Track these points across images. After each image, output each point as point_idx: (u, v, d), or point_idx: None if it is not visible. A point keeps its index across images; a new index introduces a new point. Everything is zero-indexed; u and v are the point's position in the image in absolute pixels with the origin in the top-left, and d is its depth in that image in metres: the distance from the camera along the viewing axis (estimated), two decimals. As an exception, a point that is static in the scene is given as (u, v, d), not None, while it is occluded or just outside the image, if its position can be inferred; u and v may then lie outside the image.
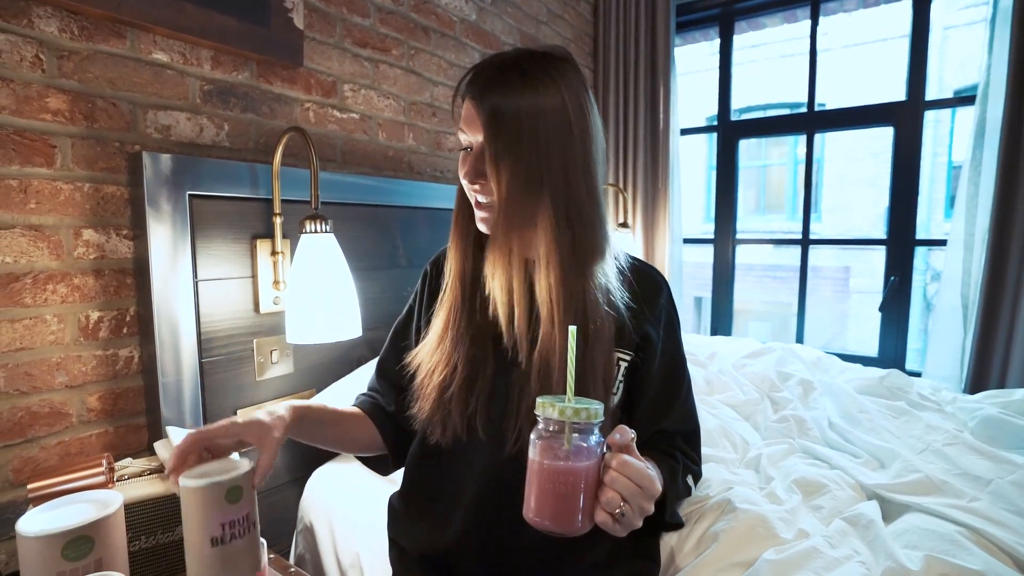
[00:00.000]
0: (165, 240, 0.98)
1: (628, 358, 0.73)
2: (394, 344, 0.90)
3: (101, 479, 0.76)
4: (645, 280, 0.77)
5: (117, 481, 0.80)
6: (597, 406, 0.53)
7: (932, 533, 0.77)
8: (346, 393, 1.20)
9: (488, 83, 0.66)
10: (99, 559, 0.64)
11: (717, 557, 0.77)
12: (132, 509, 0.75)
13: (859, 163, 6.09)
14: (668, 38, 2.34)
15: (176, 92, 1.07)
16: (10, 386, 0.88)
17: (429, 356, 0.76)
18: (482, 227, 0.72)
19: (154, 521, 0.77)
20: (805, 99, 2.32)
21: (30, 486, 0.73)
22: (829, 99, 5.61)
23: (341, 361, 1.32)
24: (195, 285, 1.04)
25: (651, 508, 0.55)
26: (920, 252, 5.11)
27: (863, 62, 5.91)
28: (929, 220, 5.73)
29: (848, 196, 6.34)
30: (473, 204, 0.72)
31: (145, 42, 1.02)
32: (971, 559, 0.70)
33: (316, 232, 1.05)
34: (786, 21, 2.46)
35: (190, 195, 1.01)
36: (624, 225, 2.40)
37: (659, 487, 0.55)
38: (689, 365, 1.51)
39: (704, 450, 1.05)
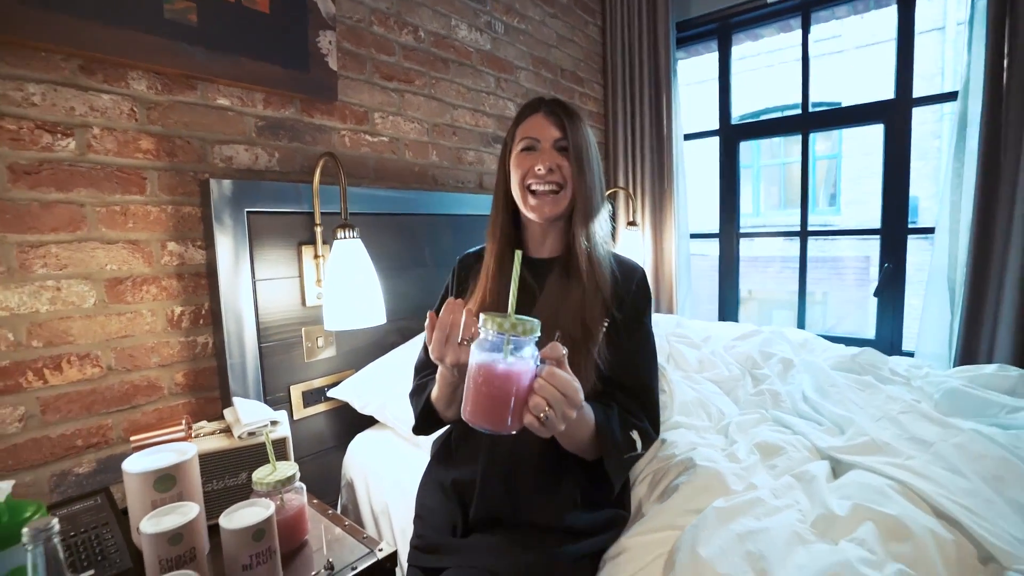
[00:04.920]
0: (229, 249, 1.12)
1: (607, 322, 0.82)
2: None
3: (182, 435, 0.90)
4: (624, 268, 0.88)
5: (194, 437, 0.93)
6: (533, 323, 0.55)
7: (865, 486, 0.79)
8: (380, 372, 1.31)
9: (564, 108, 0.85)
10: (180, 492, 0.77)
11: (675, 505, 0.82)
12: (205, 459, 0.88)
13: (873, 157, 5.80)
14: (669, 52, 2.35)
15: (236, 129, 1.21)
16: (119, 365, 1.04)
17: None
18: (547, 209, 0.82)
19: (221, 468, 0.90)
20: (818, 99, 2.26)
21: (132, 438, 0.87)
22: (844, 98, 5.35)
23: (376, 346, 1.43)
24: (254, 284, 1.17)
25: (573, 415, 0.58)
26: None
27: (872, 62, 5.61)
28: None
29: (866, 189, 6.07)
30: (535, 192, 0.83)
31: (211, 91, 1.16)
32: (892, 506, 0.73)
33: (346, 238, 1.16)
34: (781, 31, 2.41)
35: (248, 212, 1.14)
36: (632, 224, 2.42)
37: (581, 398, 0.59)
38: (684, 347, 1.55)
39: (678, 418, 1.09)
